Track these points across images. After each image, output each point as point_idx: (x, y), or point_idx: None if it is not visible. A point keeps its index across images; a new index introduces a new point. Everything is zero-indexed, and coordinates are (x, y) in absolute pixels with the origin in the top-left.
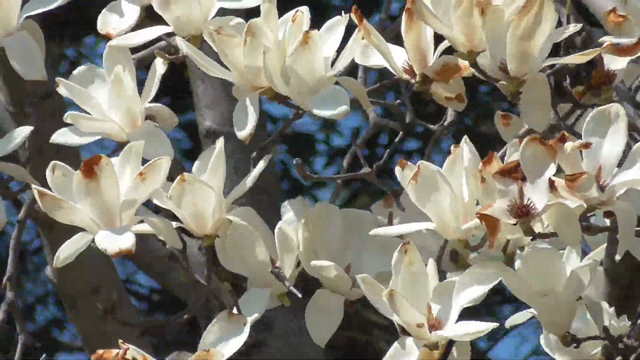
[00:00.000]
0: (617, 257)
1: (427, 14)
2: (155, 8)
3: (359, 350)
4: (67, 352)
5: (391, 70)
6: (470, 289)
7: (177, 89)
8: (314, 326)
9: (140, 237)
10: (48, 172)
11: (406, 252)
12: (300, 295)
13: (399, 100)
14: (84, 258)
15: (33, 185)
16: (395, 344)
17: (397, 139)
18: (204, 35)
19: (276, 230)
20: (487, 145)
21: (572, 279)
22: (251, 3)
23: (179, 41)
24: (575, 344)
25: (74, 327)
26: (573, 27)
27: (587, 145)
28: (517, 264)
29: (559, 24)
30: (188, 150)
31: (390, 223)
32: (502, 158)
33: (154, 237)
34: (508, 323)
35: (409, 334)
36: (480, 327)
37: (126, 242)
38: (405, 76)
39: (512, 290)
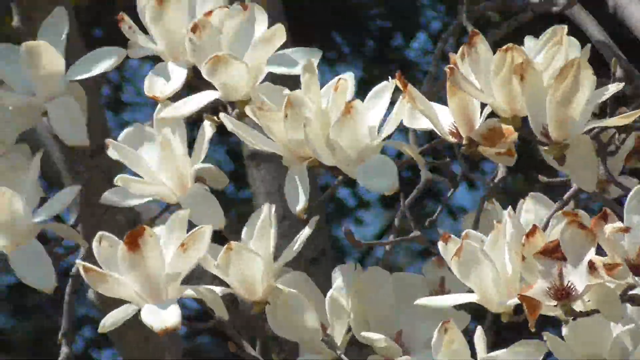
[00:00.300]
0: None
1: (466, 84)
2: (203, 74)
3: None
4: None
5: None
6: None
7: None
8: None
9: None
10: (95, 243)
11: (446, 332)
12: None
13: (448, 159)
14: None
15: (77, 261)
16: None
17: (449, 194)
18: (247, 111)
19: (327, 298)
20: None
21: (616, 344)
22: (299, 70)
23: (223, 118)
24: None
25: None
26: (615, 87)
27: (626, 230)
28: (565, 331)
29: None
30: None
31: (442, 287)
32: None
33: None
34: None
35: None
36: None
37: (171, 319)
38: (452, 139)
39: (559, 356)
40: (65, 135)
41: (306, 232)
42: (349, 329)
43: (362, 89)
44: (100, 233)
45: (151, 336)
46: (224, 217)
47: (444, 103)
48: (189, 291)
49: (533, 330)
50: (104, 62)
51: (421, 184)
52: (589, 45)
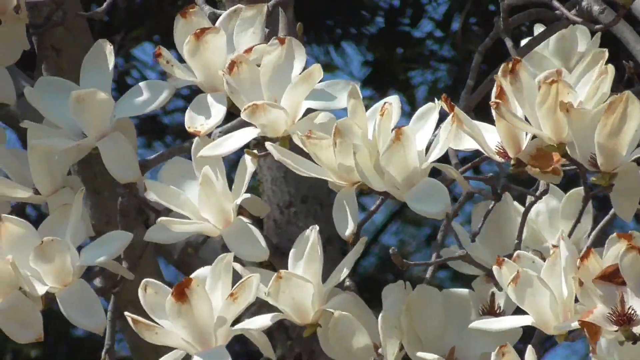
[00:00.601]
0: None
1: (512, 117)
2: (242, 117)
3: None
4: None
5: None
6: None
7: None
8: None
9: None
10: (140, 291)
11: (503, 355)
12: None
13: (491, 174)
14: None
15: (126, 313)
16: None
17: (490, 207)
18: (294, 139)
19: (379, 318)
20: None
21: None
22: (339, 105)
23: (269, 147)
24: None
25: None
26: None
27: None
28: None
29: None
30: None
31: (492, 304)
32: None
33: None
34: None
35: None
36: None
37: None
38: (499, 159)
39: None
40: (117, 172)
41: (353, 257)
42: (401, 348)
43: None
44: (145, 280)
45: None
46: (267, 250)
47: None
48: (238, 332)
49: (595, 356)
50: (152, 98)
51: (463, 198)
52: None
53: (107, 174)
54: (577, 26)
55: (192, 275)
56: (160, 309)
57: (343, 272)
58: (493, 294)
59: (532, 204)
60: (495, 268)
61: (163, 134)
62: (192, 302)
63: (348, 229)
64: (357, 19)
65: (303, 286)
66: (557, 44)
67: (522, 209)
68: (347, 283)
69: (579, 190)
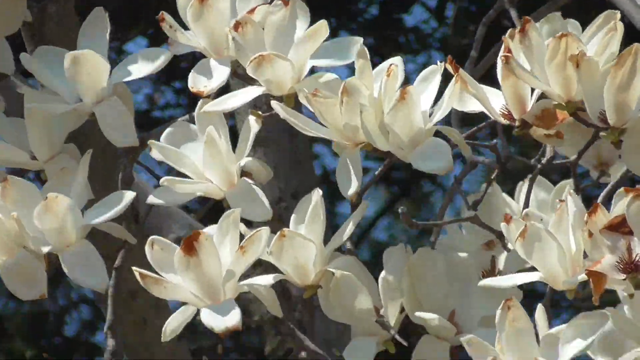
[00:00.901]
0: None
1: (522, 72)
2: (248, 72)
3: None
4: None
5: (488, 114)
6: (576, 342)
7: None
8: None
9: None
10: (147, 247)
11: (509, 309)
12: (406, 344)
13: (495, 140)
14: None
15: (134, 268)
16: None
17: (493, 176)
18: (299, 97)
19: (380, 279)
20: None
21: None
22: (343, 61)
23: (275, 105)
24: None
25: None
26: None
27: None
28: (626, 309)
29: None
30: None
31: (492, 267)
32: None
33: None
34: None
35: None
36: None
37: (232, 320)
38: (504, 121)
39: (621, 332)
40: (114, 137)
41: (356, 218)
42: (402, 310)
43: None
44: (152, 238)
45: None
46: (270, 210)
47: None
48: (245, 288)
49: (597, 304)
50: (149, 64)
51: (466, 167)
52: None
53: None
54: None
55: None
56: (168, 265)
57: (345, 233)
58: (493, 258)
59: (537, 172)
60: (503, 225)
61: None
62: (200, 255)
63: (351, 188)
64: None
65: (306, 246)
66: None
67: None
68: (349, 246)
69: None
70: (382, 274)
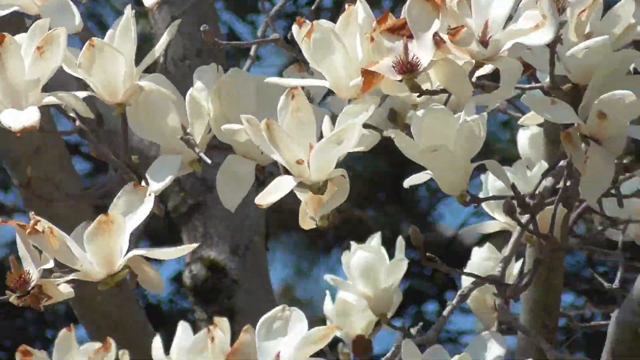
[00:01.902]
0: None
1: None
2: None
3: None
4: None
5: None
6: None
7: None
8: (224, 191)
9: None
10: None
11: (293, 98)
12: (209, 162)
13: None
14: None
15: None
16: (275, 180)
17: None
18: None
19: (187, 96)
20: None
21: (461, 132)
22: None
23: None
24: (474, 204)
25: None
26: None
27: None
28: (412, 126)
29: None
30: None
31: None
32: None
33: None
34: (407, 182)
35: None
36: None
37: (30, 118)
38: None
39: (403, 151)
40: None
41: (165, 37)
42: (210, 131)
43: None
44: None
45: None
46: (81, 21)
47: None
48: (51, 98)
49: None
50: None
51: None
52: None
53: None
54: None
55: None
56: None
57: (156, 49)
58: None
59: None
60: (294, 27)
61: None
62: (3, 59)
63: None
64: None
65: (116, 58)
66: None
67: None
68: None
69: None
70: (190, 91)
